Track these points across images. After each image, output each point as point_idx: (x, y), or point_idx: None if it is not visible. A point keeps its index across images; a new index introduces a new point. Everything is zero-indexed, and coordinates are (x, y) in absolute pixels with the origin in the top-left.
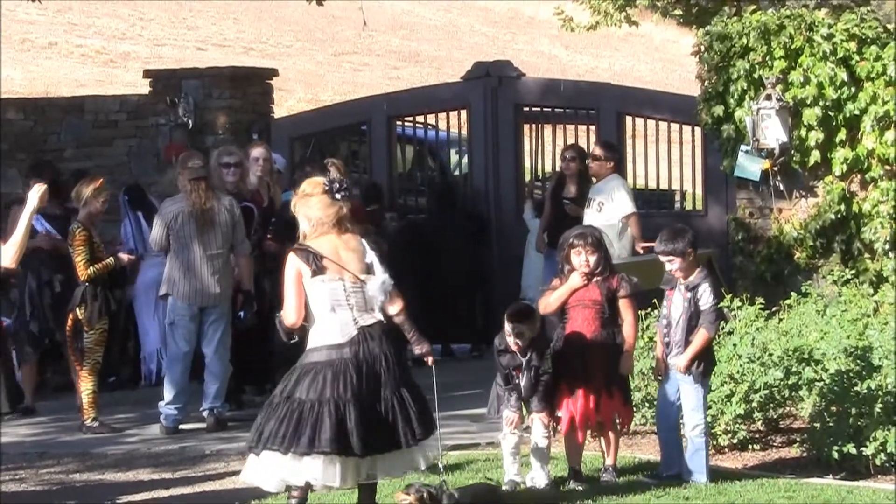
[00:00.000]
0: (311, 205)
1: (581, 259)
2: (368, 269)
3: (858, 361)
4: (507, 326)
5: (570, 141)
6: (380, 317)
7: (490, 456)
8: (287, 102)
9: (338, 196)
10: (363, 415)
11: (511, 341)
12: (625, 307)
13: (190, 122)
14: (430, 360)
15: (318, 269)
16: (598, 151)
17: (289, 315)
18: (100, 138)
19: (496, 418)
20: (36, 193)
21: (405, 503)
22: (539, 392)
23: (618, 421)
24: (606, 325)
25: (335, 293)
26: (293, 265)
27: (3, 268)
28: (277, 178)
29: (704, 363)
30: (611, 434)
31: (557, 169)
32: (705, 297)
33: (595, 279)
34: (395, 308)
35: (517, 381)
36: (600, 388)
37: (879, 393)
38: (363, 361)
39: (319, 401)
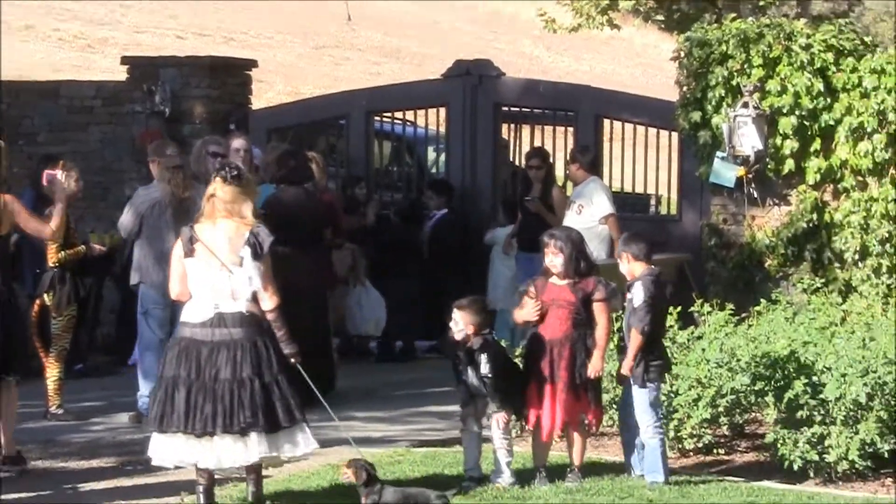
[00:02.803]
0: (207, 189)
1: (547, 259)
2: (241, 262)
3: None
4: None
5: (549, 141)
6: (243, 307)
7: (456, 453)
8: (266, 94)
9: (229, 179)
10: (201, 396)
11: (454, 329)
12: (599, 310)
13: (166, 110)
14: (295, 360)
15: (189, 252)
16: (574, 157)
17: (171, 287)
18: (74, 124)
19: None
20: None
21: (345, 476)
22: (499, 391)
23: (586, 422)
24: (578, 327)
25: (202, 276)
26: (178, 242)
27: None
28: (256, 171)
29: (647, 364)
30: (577, 435)
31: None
32: (637, 295)
33: (568, 280)
34: (267, 305)
35: (464, 378)
36: (568, 388)
37: (843, 401)
38: (211, 343)
39: (173, 378)
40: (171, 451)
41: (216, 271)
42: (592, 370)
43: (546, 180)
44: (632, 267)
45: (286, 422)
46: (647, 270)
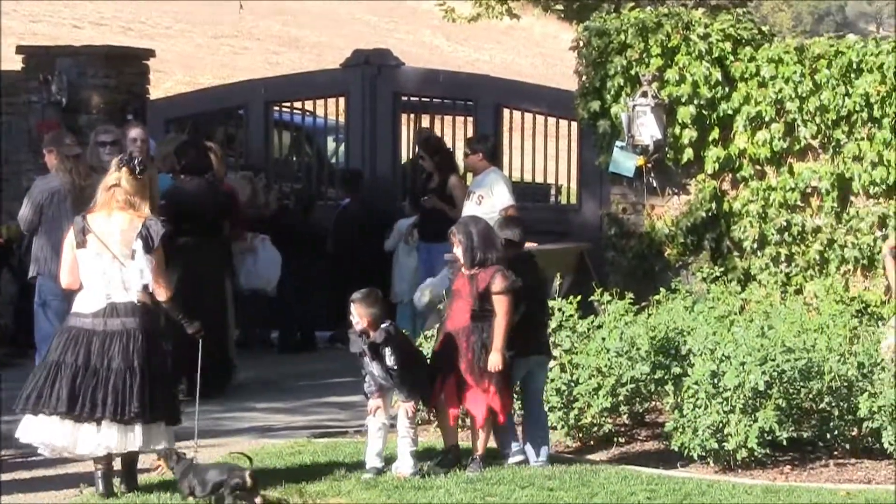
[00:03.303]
0: (107, 178)
1: (455, 250)
2: (133, 254)
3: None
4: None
5: (449, 131)
6: (134, 297)
7: (359, 443)
8: (164, 84)
9: (121, 167)
10: (75, 378)
11: (355, 322)
12: (497, 302)
13: (63, 100)
14: (198, 335)
15: (81, 242)
16: (471, 147)
17: (62, 276)
18: None
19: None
20: None
21: (160, 470)
22: (405, 382)
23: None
24: (477, 319)
25: (94, 267)
26: (70, 232)
27: None
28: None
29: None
30: (484, 426)
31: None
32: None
33: (468, 271)
34: (160, 297)
35: (369, 369)
36: (468, 379)
37: (742, 389)
38: (103, 333)
39: (58, 363)
40: (43, 432)
41: (108, 263)
42: (490, 365)
43: (441, 170)
44: (454, 249)
45: (162, 415)
46: (517, 255)
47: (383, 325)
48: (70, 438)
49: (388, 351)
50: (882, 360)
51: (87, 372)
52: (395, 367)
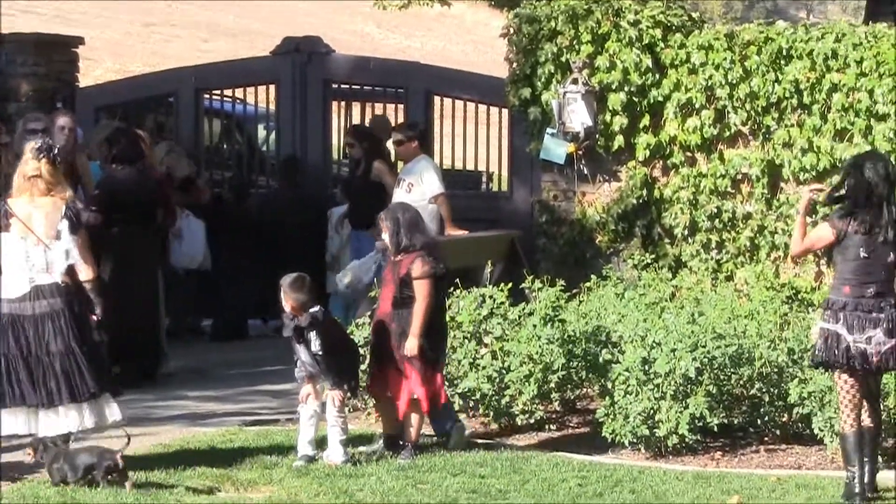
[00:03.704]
0: (26, 167)
1: (382, 235)
2: (58, 235)
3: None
4: None
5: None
6: (59, 279)
7: (290, 431)
8: (94, 72)
9: (40, 157)
10: (28, 367)
11: (283, 306)
12: (416, 288)
13: None
14: (94, 316)
15: (5, 226)
16: (400, 134)
17: None
18: None
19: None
20: None
21: (28, 457)
22: (332, 369)
23: (415, 398)
24: (398, 306)
25: (17, 251)
26: None
27: None
28: (82, 148)
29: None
30: (410, 412)
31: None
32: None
33: (394, 258)
34: (85, 275)
35: (298, 356)
36: (395, 365)
37: (673, 376)
38: (33, 317)
39: (5, 355)
40: (18, 422)
41: (32, 246)
42: (406, 350)
43: (368, 158)
44: (382, 235)
45: (108, 388)
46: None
47: (311, 310)
48: (34, 425)
49: (313, 335)
50: (812, 345)
51: (34, 360)
52: (321, 353)
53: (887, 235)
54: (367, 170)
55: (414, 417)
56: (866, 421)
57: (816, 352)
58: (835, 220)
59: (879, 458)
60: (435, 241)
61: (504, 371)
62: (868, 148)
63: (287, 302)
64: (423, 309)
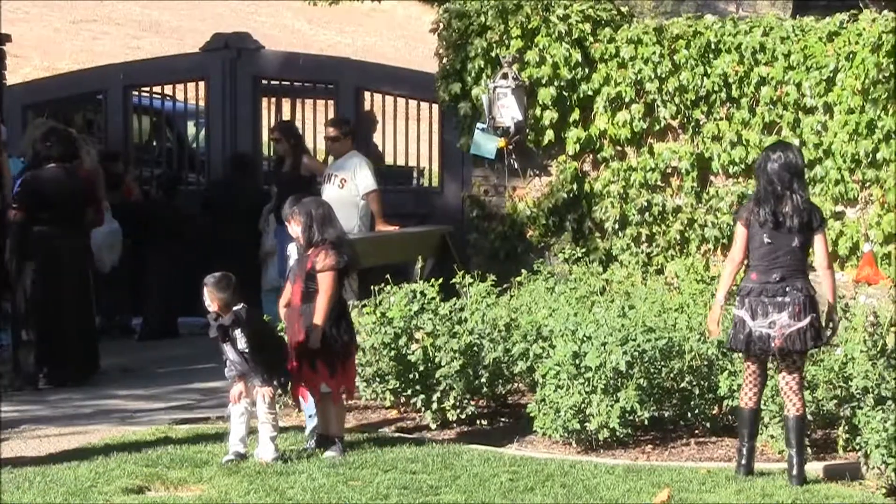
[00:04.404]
0: None
1: (294, 228)
2: None
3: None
4: None
5: (309, 115)
6: None
7: (221, 429)
8: (22, 70)
9: None
10: None
11: (207, 306)
12: (319, 280)
13: None
14: None
15: None
16: (331, 130)
17: None
18: None
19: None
20: None
21: None
22: (260, 366)
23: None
24: (306, 300)
25: None
26: None
27: None
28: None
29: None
30: (329, 406)
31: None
32: (292, 254)
33: (304, 252)
34: None
35: (225, 355)
36: (302, 360)
37: (604, 369)
38: None
39: None
40: None
41: None
42: (311, 343)
43: (294, 153)
44: (294, 229)
45: None
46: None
47: (235, 308)
48: None
49: (238, 333)
50: None
51: None
52: (248, 351)
53: (791, 223)
54: (294, 165)
55: (332, 411)
56: (791, 410)
57: (728, 338)
58: (741, 213)
59: (808, 450)
60: (346, 236)
61: (435, 366)
62: (796, 141)
63: (213, 301)
64: (325, 302)
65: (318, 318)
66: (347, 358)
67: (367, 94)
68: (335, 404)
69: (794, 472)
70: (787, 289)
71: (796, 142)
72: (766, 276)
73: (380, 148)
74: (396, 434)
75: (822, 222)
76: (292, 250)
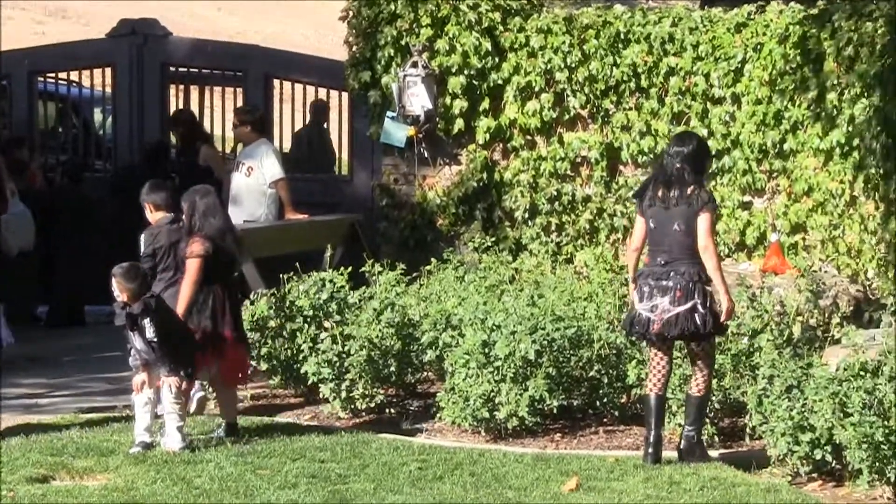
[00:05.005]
0: None
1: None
2: None
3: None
4: None
5: (217, 102)
6: None
7: (126, 419)
8: None
9: None
10: None
11: (116, 295)
12: (186, 267)
13: None
14: None
15: None
16: (238, 118)
17: None
18: None
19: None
20: None
21: None
22: (167, 355)
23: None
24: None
25: None
26: None
27: None
28: None
29: None
30: (220, 390)
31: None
32: (143, 242)
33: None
34: None
35: (132, 344)
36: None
37: (513, 358)
38: None
39: None
40: None
41: None
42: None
43: (185, 142)
44: (154, 216)
45: None
46: (165, 219)
47: (143, 297)
48: None
49: (146, 323)
50: None
51: None
52: (156, 340)
53: (674, 207)
54: (189, 153)
55: (226, 394)
56: (692, 389)
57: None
58: (636, 200)
59: (716, 438)
60: (233, 228)
61: (344, 355)
62: (704, 132)
63: (122, 291)
64: (188, 288)
65: (181, 307)
66: (222, 341)
67: (276, 82)
68: (225, 387)
69: (682, 444)
70: (672, 273)
71: (704, 132)
72: (653, 260)
73: (284, 135)
74: (305, 423)
75: (706, 203)
76: (142, 239)
